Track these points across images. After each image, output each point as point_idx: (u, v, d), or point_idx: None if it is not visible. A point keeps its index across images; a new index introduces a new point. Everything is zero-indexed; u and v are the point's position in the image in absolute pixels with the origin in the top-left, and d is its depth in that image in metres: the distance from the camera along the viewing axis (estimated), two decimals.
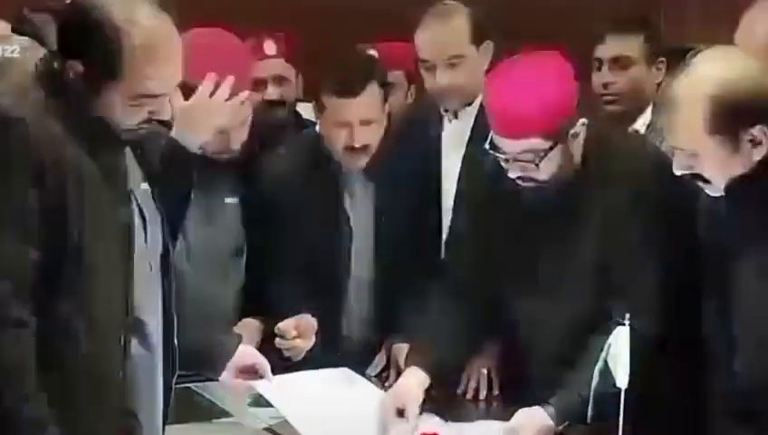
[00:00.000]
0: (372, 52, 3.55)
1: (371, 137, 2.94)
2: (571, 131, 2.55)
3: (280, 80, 3.55)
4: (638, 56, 3.35)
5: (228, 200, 3.04)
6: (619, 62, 3.35)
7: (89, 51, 2.06)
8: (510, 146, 2.54)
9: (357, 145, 2.91)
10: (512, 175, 2.57)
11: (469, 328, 2.76)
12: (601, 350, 2.35)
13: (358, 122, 2.90)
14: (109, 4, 2.07)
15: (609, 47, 3.37)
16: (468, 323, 2.75)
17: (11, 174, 2.00)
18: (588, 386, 2.40)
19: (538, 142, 2.51)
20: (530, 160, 2.52)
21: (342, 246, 3.04)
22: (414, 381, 2.67)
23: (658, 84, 3.35)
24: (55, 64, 2.11)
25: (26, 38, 2.95)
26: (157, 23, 2.08)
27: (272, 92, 3.52)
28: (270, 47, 3.54)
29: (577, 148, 2.58)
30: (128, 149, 2.23)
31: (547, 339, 2.64)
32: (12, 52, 2.83)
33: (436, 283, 2.89)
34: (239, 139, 2.95)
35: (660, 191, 2.53)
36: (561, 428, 2.50)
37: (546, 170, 2.54)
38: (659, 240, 2.54)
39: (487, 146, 2.60)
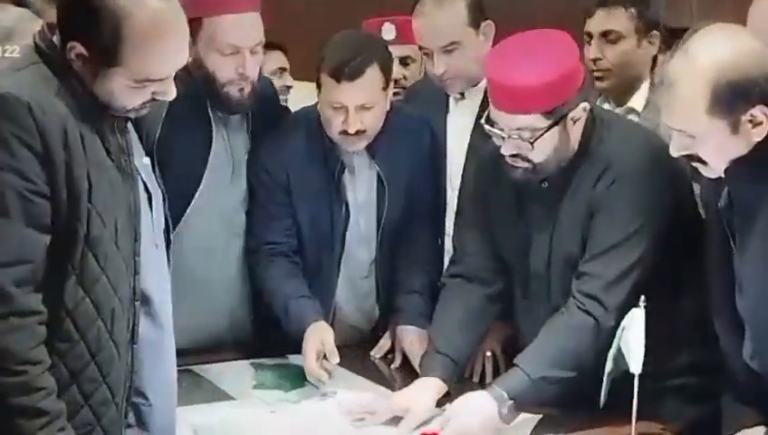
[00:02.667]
0: (389, 25, 3.51)
1: (368, 122, 2.86)
2: (571, 115, 2.49)
3: None
4: (627, 30, 3.28)
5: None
6: (609, 37, 3.29)
7: (89, 35, 2.00)
8: (507, 121, 2.49)
9: (351, 131, 2.84)
10: (505, 152, 2.53)
11: (481, 316, 2.76)
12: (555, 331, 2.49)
13: (354, 108, 2.83)
14: None
15: (599, 21, 3.31)
16: (480, 310, 2.75)
17: (18, 157, 1.93)
18: (540, 367, 2.47)
19: (535, 119, 2.46)
20: (525, 139, 2.48)
21: (337, 230, 3.00)
22: (429, 398, 2.62)
23: (654, 59, 3.32)
24: (54, 39, 2.05)
25: (27, 10, 2.91)
26: (160, 4, 2.02)
27: None
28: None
29: (576, 132, 2.53)
30: (129, 124, 2.19)
31: (541, 323, 2.61)
32: (12, 52, 2.79)
33: (447, 269, 2.89)
34: (253, 66, 2.86)
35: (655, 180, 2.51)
36: (506, 410, 2.48)
37: (541, 151, 2.49)
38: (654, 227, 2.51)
39: (483, 121, 2.55)
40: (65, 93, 2.01)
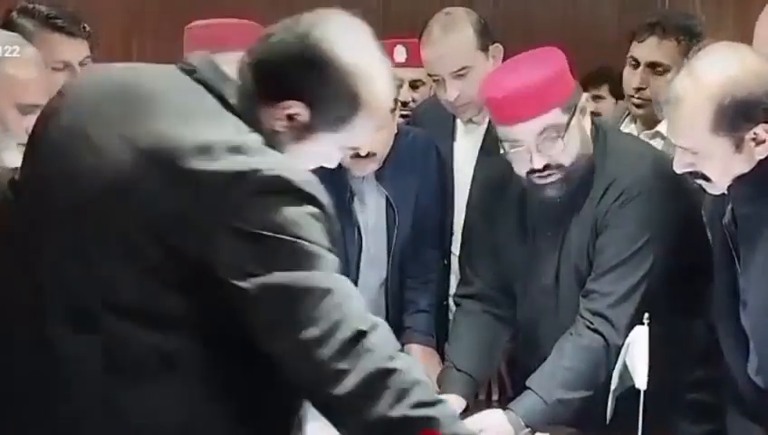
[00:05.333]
0: (401, 47, 3.54)
1: (378, 144, 2.86)
2: (580, 105, 2.53)
3: None
4: (675, 63, 3.22)
5: None
6: (656, 68, 3.28)
7: (323, 95, 1.79)
8: (529, 130, 2.49)
9: (362, 154, 2.84)
10: (537, 166, 2.51)
11: (495, 335, 2.77)
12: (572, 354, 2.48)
13: None
14: (351, 48, 1.80)
15: (649, 50, 3.28)
16: (493, 329, 2.76)
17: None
18: (554, 390, 2.48)
19: (556, 115, 2.48)
20: (555, 137, 2.48)
21: (351, 255, 3.00)
22: None
23: None
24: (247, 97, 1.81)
25: (16, 34, 2.93)
26: (387, 68, 1.87)
27: None
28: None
29: (587, 124, 2.56)
30: None
31: (548, 340, 2.62)
32: (12, 52, 2.80)
33: (458, 289, 2.89)
34: None
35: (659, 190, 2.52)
36: (522, 433, 2.48)
37: (571, 149, 2.51)
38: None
39: (502, 151, 2.56)
40: None
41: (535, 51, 2.59)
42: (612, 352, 2.46)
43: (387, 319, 3.02)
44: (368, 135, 1.90)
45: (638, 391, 2.21)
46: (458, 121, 3.15)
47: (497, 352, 2.80)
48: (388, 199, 2.99)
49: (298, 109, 1.78)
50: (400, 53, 3.52)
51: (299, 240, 1.68)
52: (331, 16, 1.82)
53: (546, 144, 2.49)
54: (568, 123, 2.49)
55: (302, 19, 1.81)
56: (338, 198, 2.94)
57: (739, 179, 2.25)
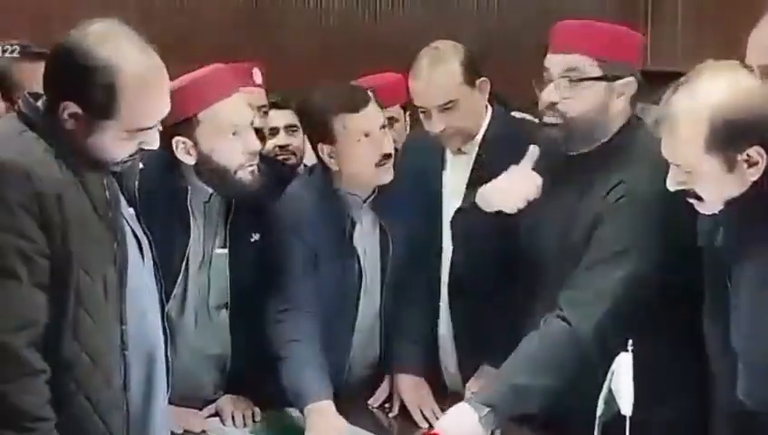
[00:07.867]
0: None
1: (395, 138, 2.97)
2: (620, 82, 2.57)
3: (292, 129, 3.75)
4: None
5: (218, 251, 2.92)
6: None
7: (83, 93, 2.09)
8: (558, 63, 2.59)
9: (389, 150, 2.92)
10: (546, 98, 2.60)
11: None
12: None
13: (378, 128, 2.90)
14: (100, 45, 2.09)
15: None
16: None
17: (20, 220, 2.01)
18: (512, 375, 2.51)
19: (586, 62, 2.56)
20: (573, 79, 2.56)
21: (351, 285, 3.00)
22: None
23: None
24: (39, 105, 2.14)
25: None
26: (146, 58, 2.13)
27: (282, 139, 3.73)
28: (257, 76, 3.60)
29: (618, 108, 2.60)
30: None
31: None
32: (12, 52, 2.84)
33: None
34: (252, 147, 2.84)
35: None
36: (486, 419, 2.48)
37: (579, 103, 2.58)
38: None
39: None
40: (56, 157, 2.09)
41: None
42: (580, 344, 2.48)
43: (381, 346, 3.07)
44: (149, 114, 2.14)
45: (624, 416, 2.21)
46: (448, 151, 3.17)
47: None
48: (381, 227, 3.00)
49: (73, 108, 2.09)
50: None
51: None
52: (93, 24, 2.13)
53: (562, 86, 2.58)
54: (593, 78, 2.55)
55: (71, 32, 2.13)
56: (339, 228, 2.97)
57: (732, 201, 2.25)
